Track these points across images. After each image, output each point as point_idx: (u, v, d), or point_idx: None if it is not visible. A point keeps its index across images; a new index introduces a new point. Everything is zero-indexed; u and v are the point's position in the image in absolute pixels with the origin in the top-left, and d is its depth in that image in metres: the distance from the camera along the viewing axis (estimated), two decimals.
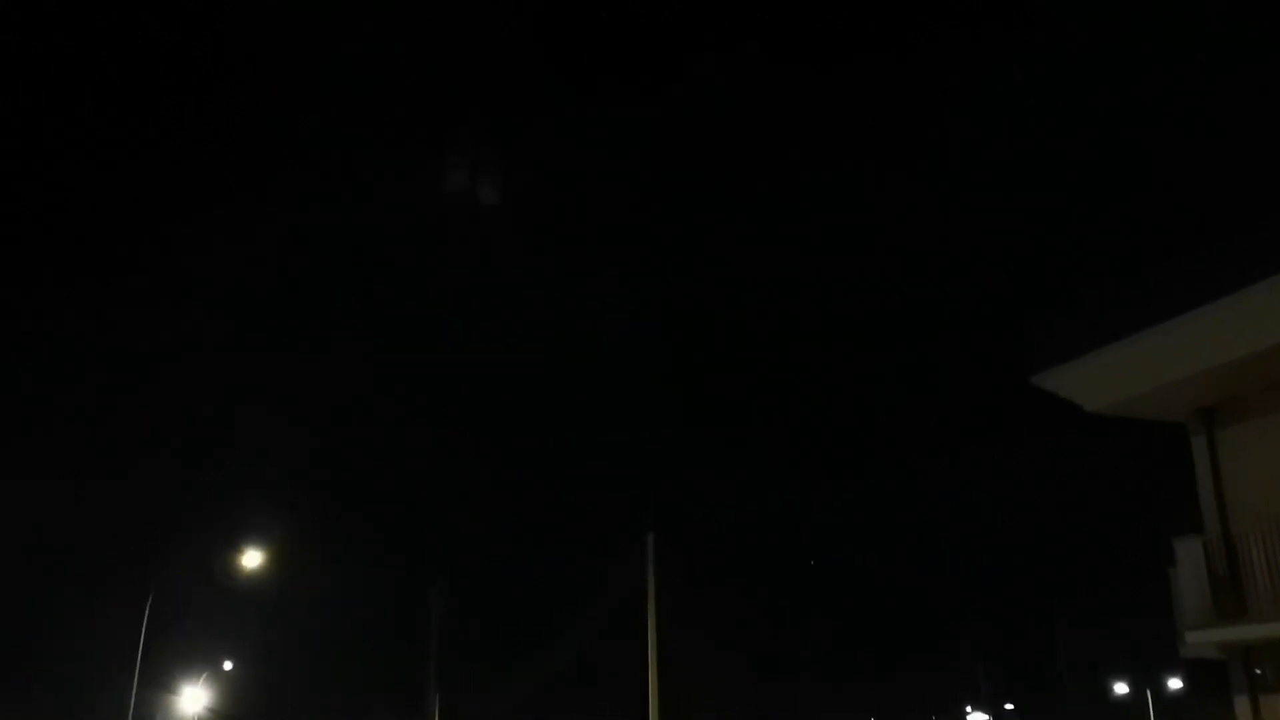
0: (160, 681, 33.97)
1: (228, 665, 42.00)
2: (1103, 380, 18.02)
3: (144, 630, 25.74)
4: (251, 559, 27.94)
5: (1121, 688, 57.54)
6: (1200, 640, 16.94)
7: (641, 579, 31.77)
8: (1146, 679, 56.43)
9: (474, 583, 57.49)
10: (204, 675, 36.74)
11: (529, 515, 62.59)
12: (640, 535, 31.61)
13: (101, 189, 62.78)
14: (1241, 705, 17.06)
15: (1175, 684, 55.51)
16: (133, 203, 63.07)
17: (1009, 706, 61.25)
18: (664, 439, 70.38)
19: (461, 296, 69.95)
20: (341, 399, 67.66)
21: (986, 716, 59.91)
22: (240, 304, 67.29)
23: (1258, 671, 16.89)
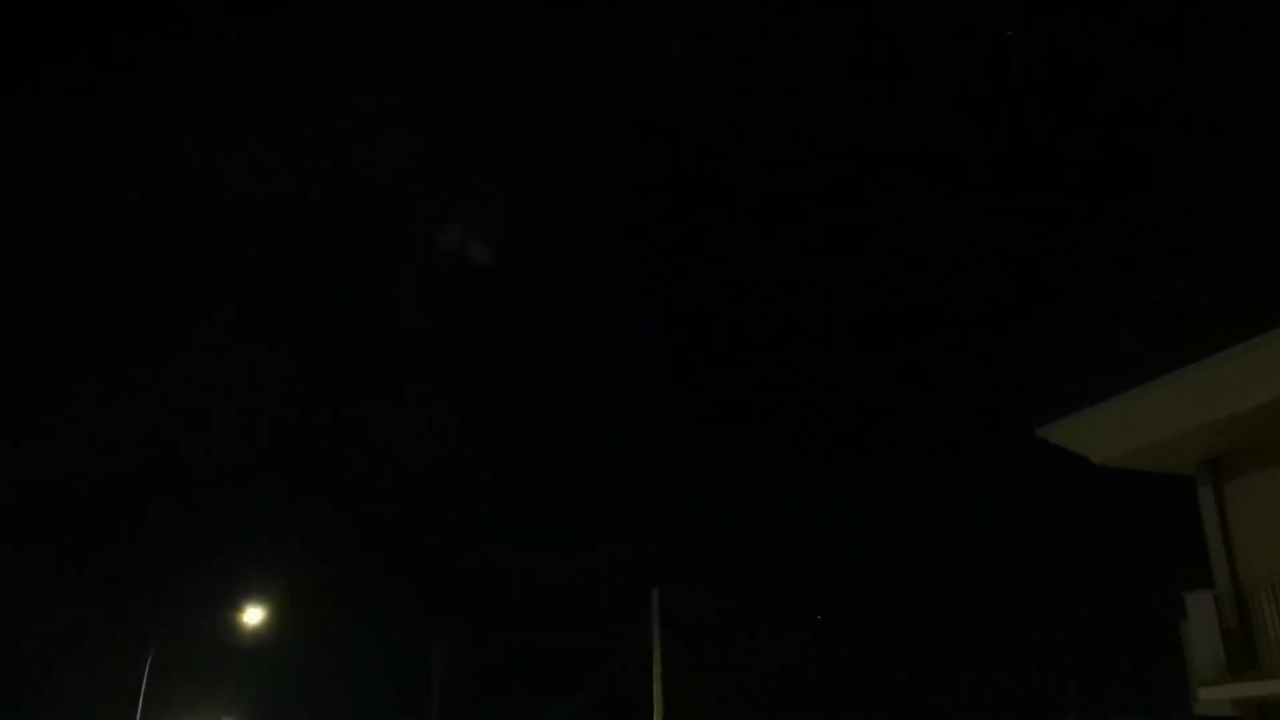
0: None
1: None
2: (1110, 432, 17.92)
3: (144, 686, 25.52)
4: (252, 614, 27.74)
5: None
6: (1213, 697, 16.72)
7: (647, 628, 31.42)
8: None
9: (479, 621, 56.97)
10: None
11: (532, 527, 62.16)
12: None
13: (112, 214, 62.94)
14: None
15: None
16: (132, 215, 63.11)
17: None
18: (664, 439, 70.12)
19: (462, 297, 69.58)
20: (339, 407, 67.25)
21: None
22: (235, 309, 67.02)
23: None
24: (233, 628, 28.79)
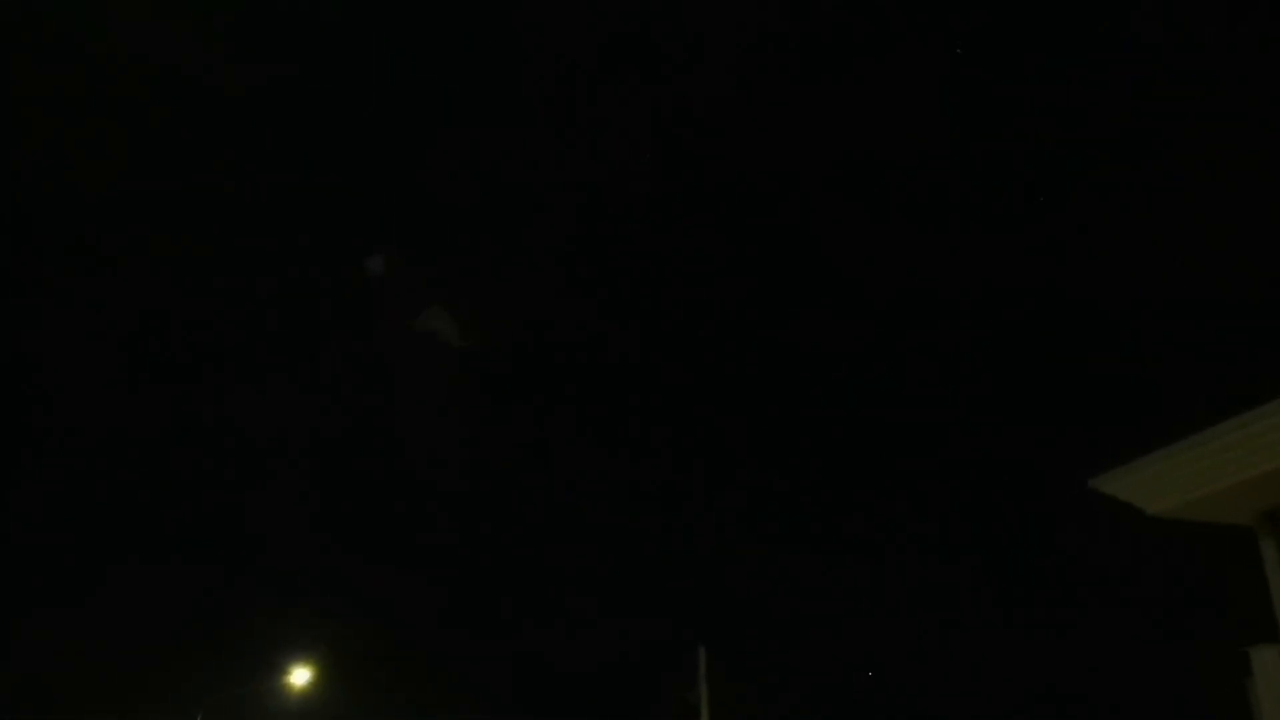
0: None
1: None
2: (1164, 483, 17.50)
3: None
4: (299, 675, 27.63)
5: None
6: None
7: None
8: None
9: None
10: None
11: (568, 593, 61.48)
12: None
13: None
14: None
15: None
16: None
17: None
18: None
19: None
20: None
21: None
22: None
23: None
24: (281, 690, 28.70)
